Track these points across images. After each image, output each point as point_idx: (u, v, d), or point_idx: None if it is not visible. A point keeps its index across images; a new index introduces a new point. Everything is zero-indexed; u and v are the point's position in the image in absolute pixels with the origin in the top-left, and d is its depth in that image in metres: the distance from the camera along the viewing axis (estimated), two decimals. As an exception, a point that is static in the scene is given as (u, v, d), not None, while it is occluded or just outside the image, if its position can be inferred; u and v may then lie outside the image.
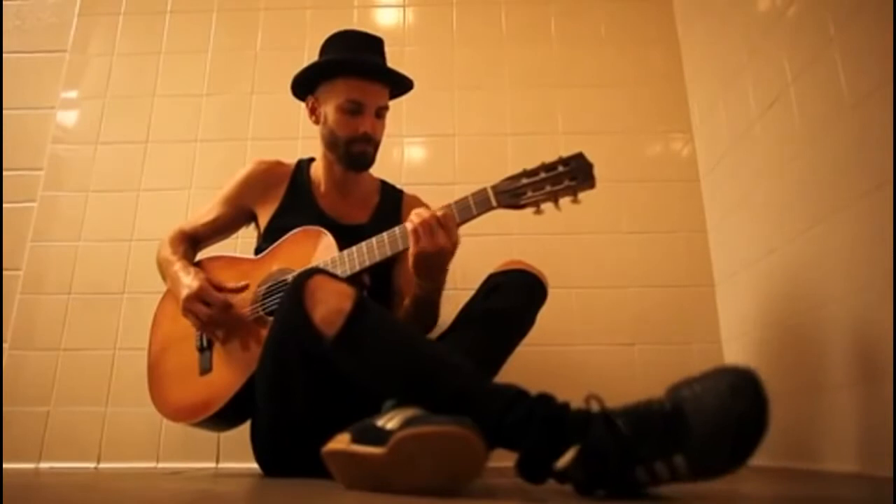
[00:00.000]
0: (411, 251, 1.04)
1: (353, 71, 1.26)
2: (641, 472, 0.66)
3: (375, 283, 1.17)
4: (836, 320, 1.10)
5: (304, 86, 1.32)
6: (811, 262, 1.18)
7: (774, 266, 1.32)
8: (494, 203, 1.06)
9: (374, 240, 1.11)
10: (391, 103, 1.33)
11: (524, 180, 1.05)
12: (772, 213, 1.32)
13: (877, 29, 0.98)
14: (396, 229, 1.10)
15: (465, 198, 1.07)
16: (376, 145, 1.30)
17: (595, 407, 0.71)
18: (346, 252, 1.13)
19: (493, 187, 1.06)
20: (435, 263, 1.05)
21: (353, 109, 1.25)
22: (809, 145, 1.18)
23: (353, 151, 1.27)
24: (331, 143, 1.29)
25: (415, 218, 1.04)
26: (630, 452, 0.66)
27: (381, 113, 1.29)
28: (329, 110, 1.28)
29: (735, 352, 1.51)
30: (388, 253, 1.10)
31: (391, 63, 1.31)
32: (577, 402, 0.74)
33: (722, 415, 0.63)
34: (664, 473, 0.65)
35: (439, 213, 1.03)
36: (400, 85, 1.33)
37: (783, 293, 1.29)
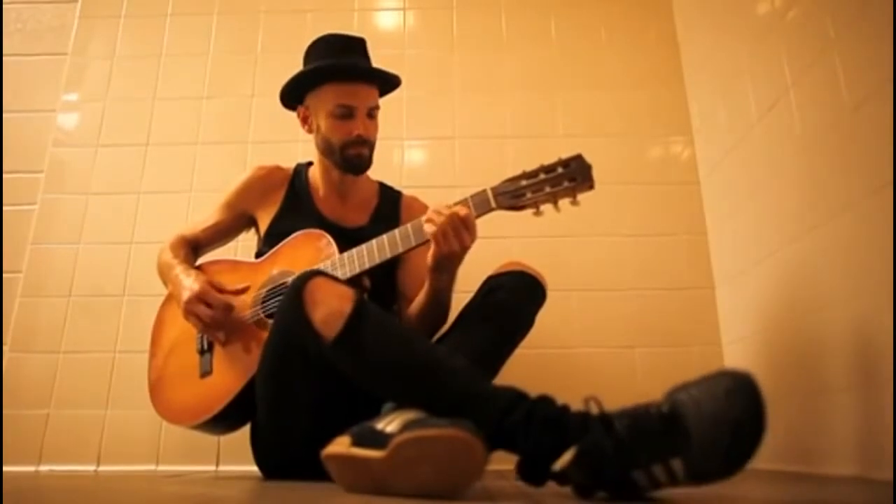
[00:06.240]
0: (435, 251, 1.05)
1: (338, 76, 1.25)
2: (640, 475, 0.66)
3: (375, 285, 1.17)
4: (837, 323, 1.10)
5: (293, 96, 1.32)
6: (811, 265, 1.18)
7: (775, 269, 1.31)
8: (494, 204, 1.06)
9: (373, 242, 1.12)
10: (390, 105, 1.33)
11: (523, 182, 1.05)
12: (772, 215, 1.32)
13: (876, 32, 0.99)
14: (396, 232, 1.11)
15: (465, 200, 1.07)
16: (371, 146, 1.29)
17: (594, 409, 0.71)
18: (345, 254, 1.13)
19: (493, 189, 1.07)
20: (457, 260, 1.09)
21: (344, 114, 1.25)
22: (809, 148, 1.18)
23: (349, 155, 1.27)
24: (326, 150, 1.29)
25: (435, 217, 1.04)
26: (627, 455, 0.66)
27: (372, 113, 1.29)
28: (321, 118, 1.28)
29: (735, 354, 1.50)
30: (388, 255, 1.10)
31: (392, 66, 1.30)
32: (577, 405, 0.74)
33: (719, 419, 0.63)
34: (662, 477, 0.66)
35: (463, 214, 1.03)
36: (387, 83, 1.32)
37: (783, 296, 1.29)
